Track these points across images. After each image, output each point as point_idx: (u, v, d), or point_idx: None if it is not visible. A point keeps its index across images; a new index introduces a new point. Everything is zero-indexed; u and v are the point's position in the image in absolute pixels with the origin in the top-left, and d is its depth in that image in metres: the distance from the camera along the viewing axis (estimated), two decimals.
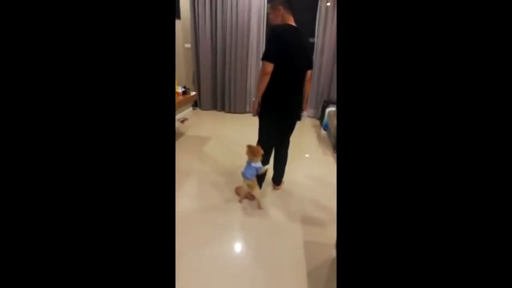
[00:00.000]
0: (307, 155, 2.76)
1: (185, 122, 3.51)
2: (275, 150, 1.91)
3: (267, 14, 1.85)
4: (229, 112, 4.07)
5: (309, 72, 1.77)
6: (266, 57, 1.54)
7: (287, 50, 1.55)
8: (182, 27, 3.61)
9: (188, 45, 3.86)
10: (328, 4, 3.53)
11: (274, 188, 2.11)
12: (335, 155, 2.76)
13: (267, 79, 1.57)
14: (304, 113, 1.95)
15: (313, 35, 3.77)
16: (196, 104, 4.21)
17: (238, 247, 1.50)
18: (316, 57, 3.81)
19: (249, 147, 1.75)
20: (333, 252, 1.49)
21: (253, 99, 1.69)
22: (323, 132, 3.46)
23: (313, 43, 3.81)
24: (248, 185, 1.79)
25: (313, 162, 2.63)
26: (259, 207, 1.85)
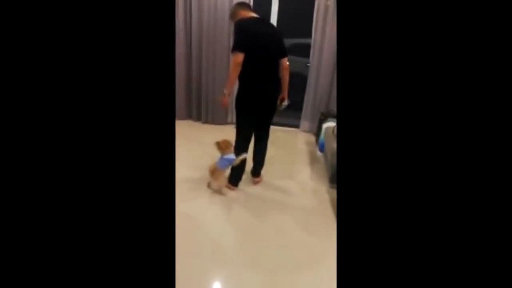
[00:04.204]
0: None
1: None
2: (254, 142, 1.91)
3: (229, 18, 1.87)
4: (206, 122, 3.40)
5: (283, 60, 1.75)
6: (235, 47, 1.58)
7: (254, 40, 1.60)
8: None
9: None
10: (329, 2, 2.91)
11: (254, 182, 2.03)
12: (333, 191, 2.07)
13: (238, 69, 1.60)
14: (285, 103, 1.85)
15: (309, 35, 3.13)
16: None
17: None
18: (313, 60, 3.16)
19: (217, 143, 1.85)
20: None
21: (224, 91, 1.74)
22: (319, 154, 2.78)
23: (309, 44, 3.17)
24: (211, 171, 1.82)
25: (297, 209, 1.92)
26: (222, 193, 1.88)
